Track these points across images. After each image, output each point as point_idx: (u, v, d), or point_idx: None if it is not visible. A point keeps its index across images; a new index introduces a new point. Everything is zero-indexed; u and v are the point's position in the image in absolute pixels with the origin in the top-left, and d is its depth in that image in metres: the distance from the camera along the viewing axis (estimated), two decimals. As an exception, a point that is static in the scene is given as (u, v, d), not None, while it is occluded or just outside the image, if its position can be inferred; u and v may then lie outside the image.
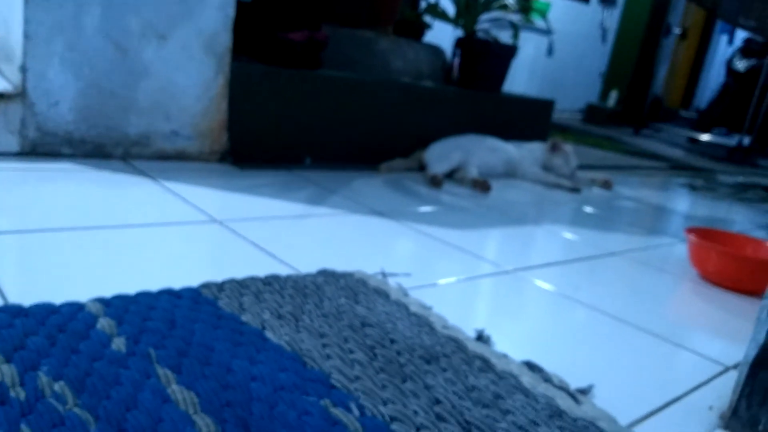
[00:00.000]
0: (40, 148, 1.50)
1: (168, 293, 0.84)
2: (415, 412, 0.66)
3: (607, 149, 3.90)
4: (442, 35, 3.31)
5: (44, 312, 0.73)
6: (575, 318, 1.06)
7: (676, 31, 5.98)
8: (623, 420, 0.73)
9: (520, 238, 1.54)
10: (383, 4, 2.56)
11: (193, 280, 0.90)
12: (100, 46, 1.52)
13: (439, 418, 0.66)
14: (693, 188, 2.95)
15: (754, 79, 5.14)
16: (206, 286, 0.89)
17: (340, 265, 1.07)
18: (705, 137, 5.30)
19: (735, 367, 0.95)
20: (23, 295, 0.79)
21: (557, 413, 0.71)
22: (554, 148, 2.41)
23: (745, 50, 5.51)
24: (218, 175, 1.65)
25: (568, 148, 2.43)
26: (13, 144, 1.46)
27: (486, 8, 2.60)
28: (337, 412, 0.64)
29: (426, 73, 2.56)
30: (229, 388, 0.65)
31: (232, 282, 0.91)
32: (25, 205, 1.17)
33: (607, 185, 2.46)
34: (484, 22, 2.68)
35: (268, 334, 0.77)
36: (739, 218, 2.34)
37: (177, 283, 0.88)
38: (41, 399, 0.58)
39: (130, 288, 0.84)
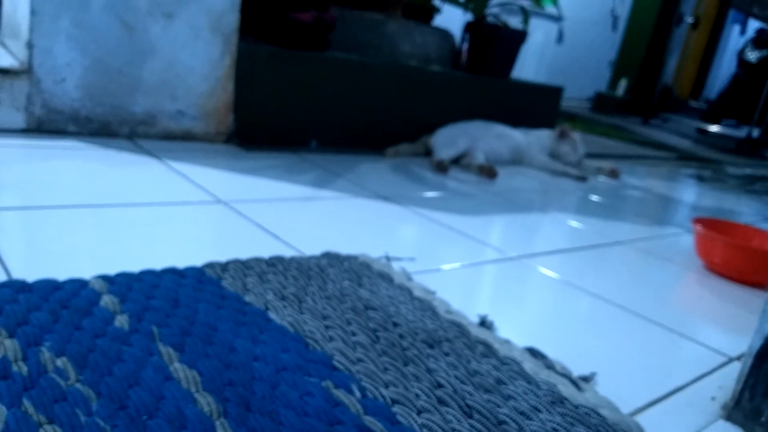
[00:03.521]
0: (45, 125, 1.50)
1: (172, 272, 0.84)
2: (417, 396, 0.66)
3: (614, 138, 3.87)
4: (452, 19, 3.28)
5: (48, 288, 0.73)
6: (579, 306, 1.05)
7: (689, 20, 5.91)
8: (625, 408, 0.73)
9: (526, 225, 1.53)
10: (392, -13, 2.53)
11: (197, 260, 0.90)
12: (107, 23, 1.51)
13: (441, 401, 0.66)
14: (701, 179, 2.93)
15: (765, 71, 5.09)
16: (210, 266, 0.88)
17: (344, 248, 1.07)
18: (714, 128, 5.26)
19: (738, 358, 0.94)
20: (27, 271, 0.79)
21: (559, 400, 0.71)
22: (562, 136, 2.39)
23: (758, 41, 5.45)
24: (224, 156, 1.65)
25: (576, 135, 2.42)
26: (19, 120, 1.46)
27: (496, -8, 2.57)
28: (339, 393, 0.64)
29: (434, 57, 2.54)
30: (231, 367, 0.65)
31: (236, 262, 0.91)
32: (30, 181, 1.17)
33: (614, 174, 2.45)
34: (494, 7, 2.65)
35: (272, 315, 0.77)
36: (746, 210, 2.33)
37: (181, 263, 0.88)
38: (44, 374, 0.58)
39: (134, 266, 0.84)
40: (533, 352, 0.82)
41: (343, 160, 1.86)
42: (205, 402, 0.58)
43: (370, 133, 2.13)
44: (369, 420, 0.61)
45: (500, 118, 2.44)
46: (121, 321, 0.69)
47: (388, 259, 1.08)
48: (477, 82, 2.44)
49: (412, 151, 2.13)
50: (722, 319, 1.13)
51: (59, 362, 0.60)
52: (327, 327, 0.77)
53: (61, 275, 0.78)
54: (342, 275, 0.94)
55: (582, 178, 2.27)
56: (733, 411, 0.76)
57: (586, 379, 0.78)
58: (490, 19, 2.61)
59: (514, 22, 2.71)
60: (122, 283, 0.78)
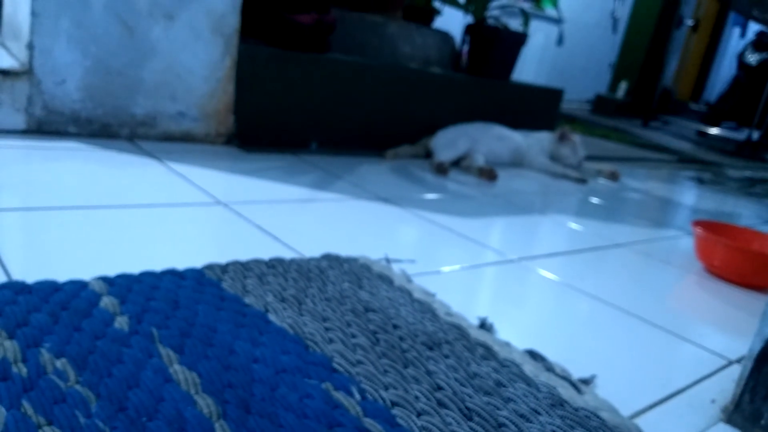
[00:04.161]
0: (46, 126, 1.50)
1: (172, 274, 0.84)
2: (417, 398, 0.66)
3: (615, 140, 3.87)
4: (452, 21, 3.28)
5: (47, 289, 0.73)
6: (579, 308, 1.05)
7: (689, 22, 5.91)
8: (625, 411, 0.73)
9: (526, 228, 1.53)
10: (393, -11, 2.53)
11: (197, 262, 0.90)
12: (108, 24, 1.51)
13: (441, 404, 0.66)
14: (700, 181, 2.93)
15: (765, 73, 5.10)
16: (210, 267, 0.88)
17: (344, 250, 1.07)
18: (714, 131, 5.26)
19: (738, 361, 0.94)
20: (27, 272, 0.79)
21: (559, 402, 0.71)
22: (562, 138, 2.39)
23: (758, 44, 5.45)
24: (224, 158, 1.65)
25: (576, 138, 2.42)
26: (19, 122, 1.46)
27: (497, -5, 2.58)
28: (339, 395, 0.64)
29: (434, 59, 2.54)
30: (231, 369, 0.65)
31: (236, 264, 0.91)
32: (30, 182, 1.17)
33: (613, 176, 2.45)
34: (495, 9, 2.65)
35: (271, 317, 0.77)
36: (746, 212, 2.33)
37: (181, 264, 0.88)
38: (43, 375, 0.58)
39: (134, 268, 0.84)
40: (533, 355, 0.82)
41: (343, 161, 1.86)
42: (205, 404, 0.58)
43: (370, 135, 2.13)
44: (369, 422, 0.60)
45: (500, 120, 2.44)
46: (121, 322, 0.69)
47: (388, 261, 1.08)
48: (477, 84, 2.44)
49: (412, 153, 2.13)
50: (722, 322, 1.13)
51: (59, 363, 0.60)
52: (327, 329, 0.77)
53: (61, 276, 0.78)
54: (342, 277, 0.94)
55: (582, 181, 2.27)
56: (733, 414, 0.76)
57: (586, 381, 0.78)
58: (490, 21, 2.62)
59: (515, 24, 2.72)
60: (122, 285, 0.78)
